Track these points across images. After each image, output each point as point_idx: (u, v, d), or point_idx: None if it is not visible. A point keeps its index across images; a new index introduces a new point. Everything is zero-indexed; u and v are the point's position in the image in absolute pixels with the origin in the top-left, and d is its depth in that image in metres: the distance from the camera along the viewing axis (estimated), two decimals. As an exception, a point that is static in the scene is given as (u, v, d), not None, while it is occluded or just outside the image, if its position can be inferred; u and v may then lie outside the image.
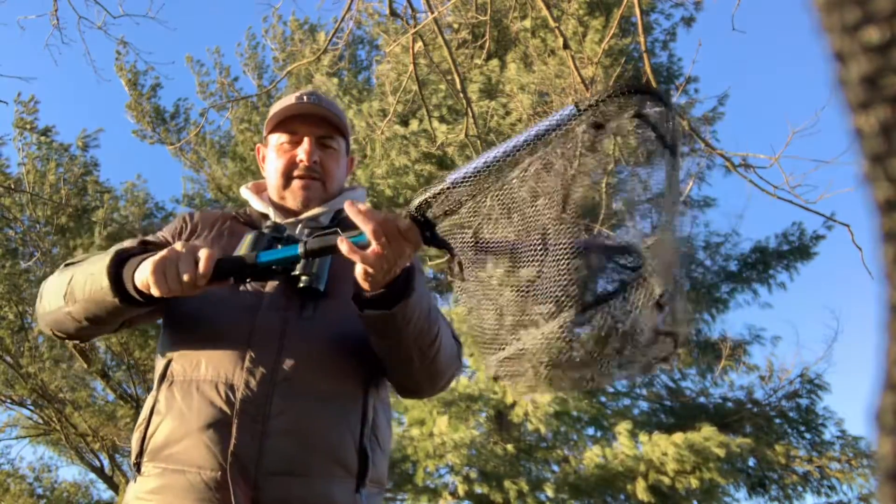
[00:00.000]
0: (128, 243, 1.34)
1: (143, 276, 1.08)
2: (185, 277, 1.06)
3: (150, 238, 1.38)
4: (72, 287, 1.19)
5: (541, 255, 0.92)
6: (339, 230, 1.09)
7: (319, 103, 1.43)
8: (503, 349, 0.94)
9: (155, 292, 1.07)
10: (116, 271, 1.14)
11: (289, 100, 1.45)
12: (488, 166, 0.94)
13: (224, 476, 1.10)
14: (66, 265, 1.32)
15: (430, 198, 0.98)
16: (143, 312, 1.21)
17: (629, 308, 0.91)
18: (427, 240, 1.01)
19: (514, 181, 0.93)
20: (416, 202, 1.00)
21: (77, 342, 1.28)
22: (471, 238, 0.96)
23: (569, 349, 0.91)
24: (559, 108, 0.95)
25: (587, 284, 0.94)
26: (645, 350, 0.94)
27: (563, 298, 0.90)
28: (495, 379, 0.95)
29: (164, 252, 1.07)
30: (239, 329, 1.21)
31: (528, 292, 0.92)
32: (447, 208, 0.97)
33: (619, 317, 0.90)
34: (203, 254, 1.07)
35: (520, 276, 0.93)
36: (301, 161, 1.40)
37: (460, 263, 0.99)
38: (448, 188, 0.96)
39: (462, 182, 0.95)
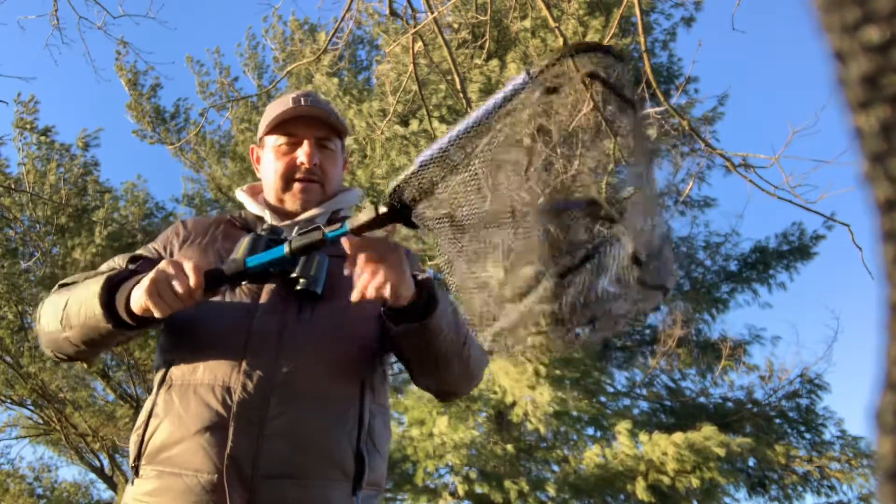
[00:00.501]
0: (119, 259, 1.36)
1: (139, 301, 1.09)
2: (180, 291, 1.06)
3: (140, 252, 1.38)
4: (67, 313, 1.20)
5: (514, 223, 0.92)
6: (321, 225, 1.10)
7: (317, 105, 1.43)
8: (493, 324, 0.95)
9: (157, 314, 1.08)
10: (108, 297, 1.15)
11: (285, 102, 1.44)
12: (452, 143, 0.94)
13: (220, 479, 1.10)
14: (61, 286, 1.33)
15: (401, 183, 0.98)
16: (140, 332, 1.23)
17: (605, 268, 0.91)
18: (408, 223, 1.01)
19: (480, 154, 0.93)
20: (389, 188, 1.00)
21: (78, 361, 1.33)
22: (447, 214, 0.96)
23: (553, 316, 0.92)
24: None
25: (563, 242, 0.95)
26: (634, 302, 0.95)
27: (539, 268, 0.91)
28: (489, 353, 0.96)
29: (152, 274, 1.08)
30: (236, 333, 1.21)
31: (507, 260, 0.93)
32: (422, 190, 0.97)
33: (596, 279, 0.92)
34: (188, 266, 1.08)
35: (497, 245, 0.93)
36: (302, 163, 1.40)
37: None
38: (417, 171, 0.96)
39: (430, 163, 0.96)
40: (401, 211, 1.01)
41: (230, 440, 1.12)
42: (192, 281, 1.07)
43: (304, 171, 1.40)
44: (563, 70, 0.90)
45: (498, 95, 0.93)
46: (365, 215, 1.04)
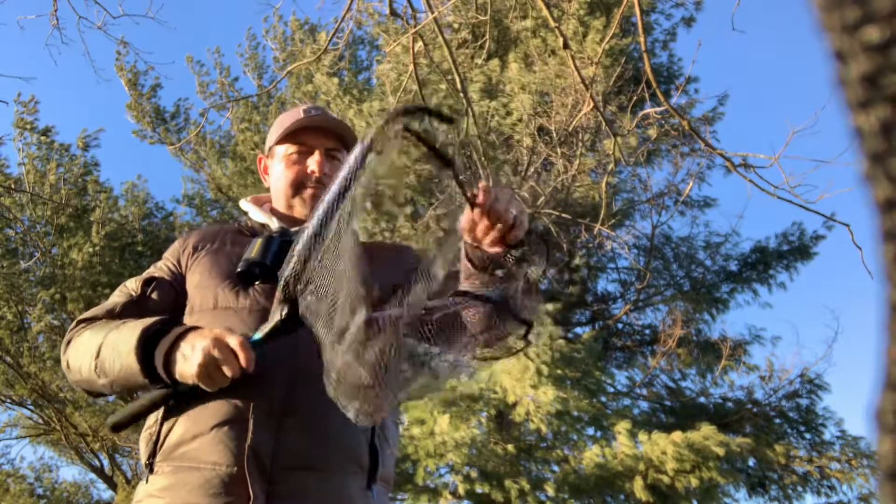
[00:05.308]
0: (132, 283, 1.38)
1: (186, 378, 1.13)
2: (230, 375, 1.11)
3: (154, 274, 1.40)
4: (101, 363, 1.22)
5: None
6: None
7: (328, 116, 1.48)
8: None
9: (208, 389, 1.13)
10: (145, 355, 1.16)
11: (297, 112, 1.48)
12: (321, 226, 1.03)
13: (241, 471, 1.11)
14: (79, 322, 1.34)
15: (288, 279, 1.06)
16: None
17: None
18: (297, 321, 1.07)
19: (335, 235, 1.02)
20: (280, 285, 1.07)
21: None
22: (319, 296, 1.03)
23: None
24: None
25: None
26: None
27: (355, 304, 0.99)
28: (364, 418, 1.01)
29: (200, 357, 1.10)
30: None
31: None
32: (306, 279, 1.05)
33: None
34: (235, 344, 1.11)
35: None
36: (312, 172, 1.44)
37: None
38: (299, 266, 1.04)
39: (307, 253, 1.03)
40: (294, 308, 1.07)
41: (251, 432, 1.14)
42: (242, 362, 1.11)
43: (314, 180, 1.44)
44: (386, 132, 0.99)
45: (343, 172, 1.03)
46: (269, 324, 1.14)
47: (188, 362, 1.11)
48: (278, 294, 1.10)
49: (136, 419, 1.22)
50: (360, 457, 1.21)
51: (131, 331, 1.19)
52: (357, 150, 1.02)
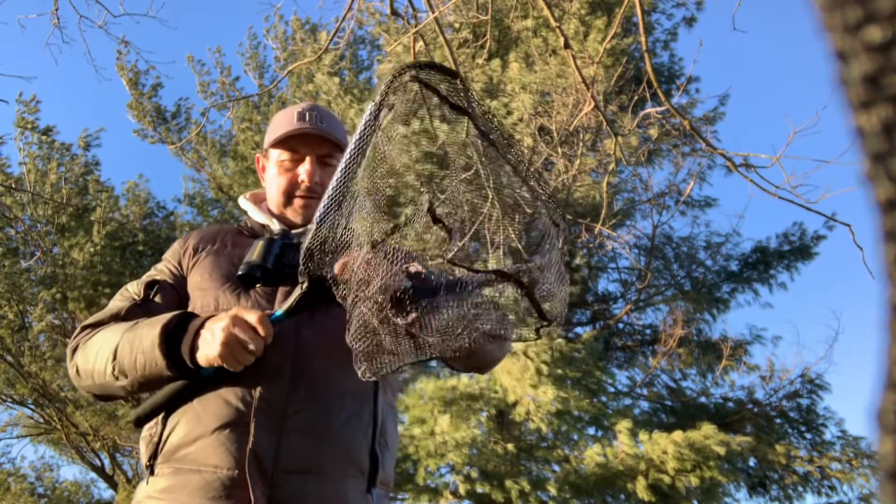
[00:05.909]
0: (134, 287, 1.38)
1: (210, 360, 1.13)
2: (254, 350, 1.12)
3: (155, 277, 1.39)
4: (119, 363, 1.21)
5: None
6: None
7: (321, 122, 1.45)
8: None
9: (232, 369, 1.13)
10: (169, 350, 1.16)
11: (290, 116, 1.46)
12: (340, 188, 1.06)
13: (242, 474, 1.12)
14: (84, 328, 1.34)
15: (309, 247, 1.07)
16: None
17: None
18: (326, 291, 1.09)
19: (356, 190, 1.05)
20: (301, 259, 1.09)
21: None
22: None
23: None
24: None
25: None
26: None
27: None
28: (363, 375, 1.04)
29: (222, 336, 1.11)
30: None
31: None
32: (328, 246, 1.07)
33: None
34: (254, 319, 1.12)
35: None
36: (302, 181, 1.43)
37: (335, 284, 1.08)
38: (318, 227, 1.06)
39: (325, 216, 1.06)
40: (317, 279, 1.09)
41: (252, 435, 1.14)
42: (263, 336, 1.12)
43: (305, 189, 1.43)
44: (399, 83, 1.03)
45: (357, 130, 1.06)
46: (290, 298, 1.15)
47: (210, 345, 1.12)
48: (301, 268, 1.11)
49: (159, 411, 1.23)
50: (360, 460, 1.21)
51: (151, 328, 1.19)
52: (369, 110, 1.02)
